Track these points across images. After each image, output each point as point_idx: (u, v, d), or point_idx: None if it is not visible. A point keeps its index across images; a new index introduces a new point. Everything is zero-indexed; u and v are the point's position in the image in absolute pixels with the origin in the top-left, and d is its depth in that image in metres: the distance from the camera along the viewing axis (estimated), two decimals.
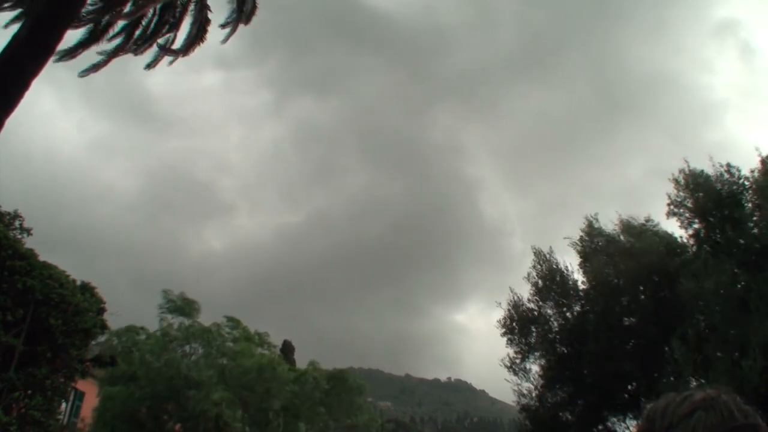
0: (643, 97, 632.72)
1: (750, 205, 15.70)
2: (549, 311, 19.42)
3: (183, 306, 25.65)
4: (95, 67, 12.92)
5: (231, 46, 13.70)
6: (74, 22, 10.55)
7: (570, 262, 20.03)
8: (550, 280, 19.33)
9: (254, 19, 13.79)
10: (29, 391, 12.52)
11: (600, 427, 18.76)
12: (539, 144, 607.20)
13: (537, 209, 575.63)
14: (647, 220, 18.34)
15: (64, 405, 17.18)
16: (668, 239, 17.38)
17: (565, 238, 19.78)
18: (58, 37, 9.98)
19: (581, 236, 19.37)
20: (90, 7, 11.45)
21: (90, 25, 12.20)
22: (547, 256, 19.72)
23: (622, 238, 18.49)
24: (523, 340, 19.47)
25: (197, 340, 25.31)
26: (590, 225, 19.45)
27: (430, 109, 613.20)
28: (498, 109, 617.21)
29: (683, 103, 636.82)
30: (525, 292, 20.05)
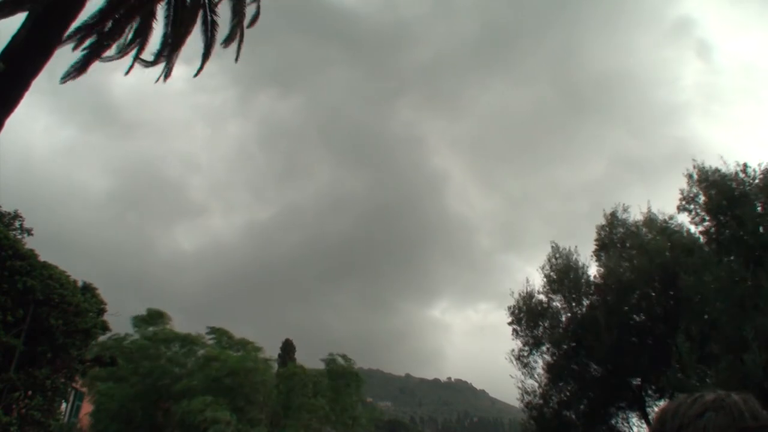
0: (603, 93, 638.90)
1: (759, 205, 15.60)
2: (558, 304, 19.46)
3: (153, 316, 26.43)
4: (77, 72, 12.75)
5: (193, 39, 13.63)
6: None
7: (587, 259, 19.95)
8: (564, 273, 19.30)
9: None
10: (29, 392, 12.50)
11: (604, 427, 18.79)
12: (502, 138, 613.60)
13: (501, 203, 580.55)
14: (671, 217, 18.23)
15: (64, 405, 17.19)
16: (685, 237, 17.31)
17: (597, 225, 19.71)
18: (58, 38, 9.99)
19: (603, 225, 19.35)
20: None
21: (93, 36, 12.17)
22: (567, 250, 19.70)
23: (644, 231, 18.38)
24: (530, 332, 19.51)
25: (177, 343, 25.97)
26: (613, 215, 19.36)
27: (393, 102, 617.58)
28: (461, 102, 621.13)
29: (643, 100, 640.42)
30: (537, 283, 20.12)
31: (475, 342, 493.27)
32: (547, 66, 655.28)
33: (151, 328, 26.05)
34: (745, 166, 16.00)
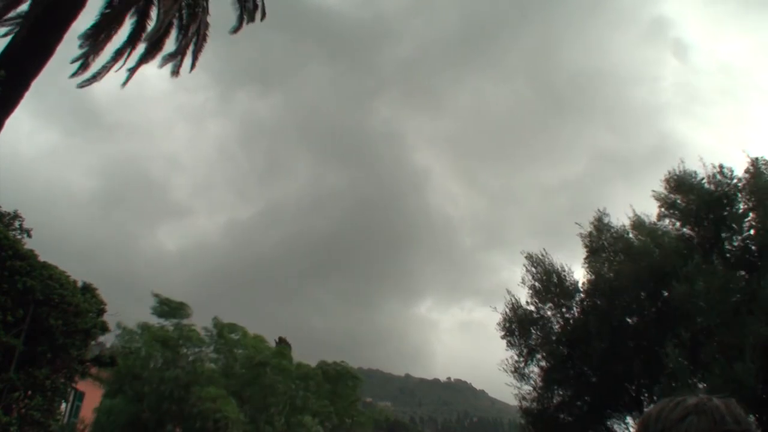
0: (582, 92, 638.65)
1: (743, 206, 15.58)
2: (548, 312, 19.38)
3: (176, 309, 25.76)
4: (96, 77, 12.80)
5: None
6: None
7: (565, 262, 19.83)
8: (547, 281, 19.23)
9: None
10: (29, 392, 12.52)
11: (601, 428, 18.79)
12: (483, 135, 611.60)
13: (483, 200, 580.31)
14: (658, 220, 18.26)
15: (64, 405, 17.19)
16: (673, 241, 17.31)
17: (576, 223, 19.62)
18: (58, 39, 9.99)
19: (590, 231, 19.31)
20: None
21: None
22: (541, 257, 19.55)
23: (631, 235, 18.38)
24: (523, 342, 19.44)
25: (193, 341, 25.47)
26: (599, 219, 19.31)
27: (373, 99, 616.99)
28: (441, 99, 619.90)
29: (622, 98, 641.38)
30: (522, 295, 19.98)
31: (462, 339, 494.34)
32: (526, 62, 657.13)
33: (170, 324, 25.29)
34: (721, 167, 15.96)
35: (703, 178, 16.07)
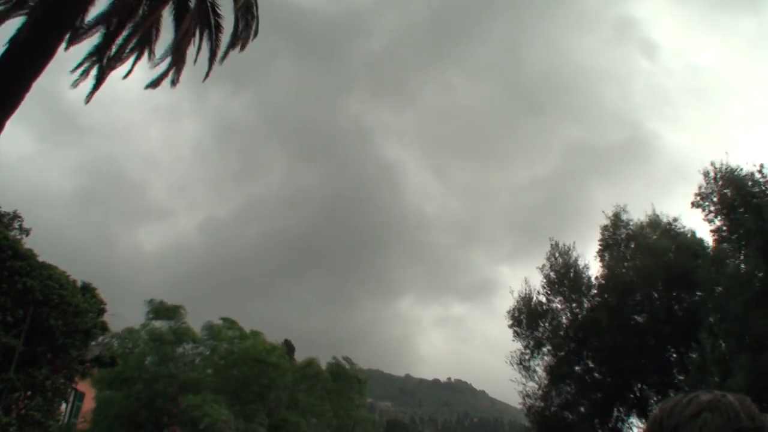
0: (553, 89, 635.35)
1: None
2: (558, 306, 19.41)
3: (169, 310, 25.90)
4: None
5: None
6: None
7: (588, 258, 19.97)
8: (563, 273, 19.27)
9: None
10: (29, 392, 12.48)
11: (606, 427, 18.73)
12: (456, 131, 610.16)
13: (457, 197, 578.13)
14: (675, 219, 18.28)
15: (64, 406, 17.19)
16: (690, 240, 17.26)
17: (602, 211, 19.67)
18: (59, 39, 9.98)
19: (606, 225, 19.34)
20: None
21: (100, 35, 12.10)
22: (568, 248, 19.64)
23: (647, 232, 18.39)
24: (531, 334, 19.46)
25: (189, 341, 25.58)
26: (617, 215, 19.38)
27: (345, 95, 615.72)
28: (414, 94, 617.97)
29: (592, 97, 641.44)
30: (536, 282, 20.09)
31: (443, 336, 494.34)
32: (495, 59, 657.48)
33: (165, 325, 25.40)
34: (762, 166, 15.95)
35: (742, 174, 16.04)
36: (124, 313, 26.36)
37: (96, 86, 12.49)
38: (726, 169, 16.35)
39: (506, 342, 20.07)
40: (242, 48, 13.58)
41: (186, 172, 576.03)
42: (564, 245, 19.83)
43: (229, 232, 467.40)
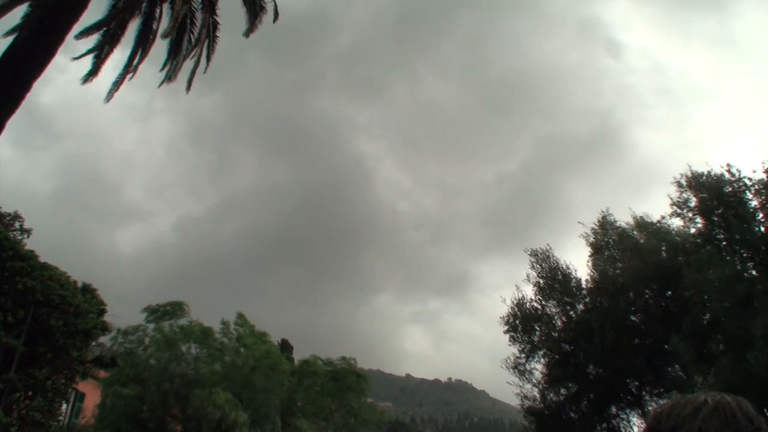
0: (519, 86, 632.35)
1: (755, 203, 15.81)
2: (552, 309, 19.52)
3: (170, 309, 25.72)
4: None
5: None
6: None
7: (570, 260, 20.16)
8: (551, 278, 19.40)
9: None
10: (30, 392, 12.50)
11: (604, 425, 18.82)
12: (426, 127, 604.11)
13: (430, 193, 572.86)
14: (662, 218, 18.44)
15: (64, 406, 17.20)
16: (677, 238, 17.44)
17: (579, 222, 19.98)
18: (60, 39, 9.98)
19: (594, 229, 19.49)
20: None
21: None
22: (546, 254, 19.81)
23: (635, 234, 18.53)
24: (527, 338, 19.55)
25: (196, 339, 25.39)
26: (604, 219, 19.55)
27: (316, 91, 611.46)
28: (383, 90, 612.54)
29: (558, 94, 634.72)
30: (528, 291, 20.17)
31: (421, 331, 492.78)
32: (465, 55, 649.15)
33: (167, 323, 25.07)
34: (729, 166, 16.31)
35: (713, 177, 16.31)
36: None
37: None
38: (698, 174, 16.63)
39: (491, 339, 20.26)
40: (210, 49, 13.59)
41: (162, 171, 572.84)
42: (540, 249, 19.95)
43: (205, 230, 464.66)
